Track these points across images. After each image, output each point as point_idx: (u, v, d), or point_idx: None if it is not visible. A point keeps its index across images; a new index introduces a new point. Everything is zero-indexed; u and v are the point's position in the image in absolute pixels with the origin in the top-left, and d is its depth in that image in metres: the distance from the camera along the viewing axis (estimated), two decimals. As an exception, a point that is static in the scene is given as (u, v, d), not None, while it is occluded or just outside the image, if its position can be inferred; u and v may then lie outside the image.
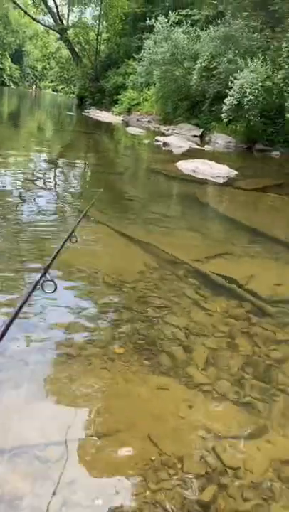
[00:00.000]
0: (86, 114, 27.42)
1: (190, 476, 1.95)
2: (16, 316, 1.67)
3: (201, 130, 18.84)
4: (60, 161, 9.77)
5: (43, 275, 2.06)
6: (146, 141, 13.88)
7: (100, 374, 2.50)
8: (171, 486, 1.90)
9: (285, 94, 14.24)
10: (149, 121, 23.84)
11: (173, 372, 2.62)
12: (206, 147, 15.11)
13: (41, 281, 2.03)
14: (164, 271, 3.99)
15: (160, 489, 1.88)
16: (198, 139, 17.66)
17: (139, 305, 3.37)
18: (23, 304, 1.77)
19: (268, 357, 2.91)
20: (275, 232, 5.57)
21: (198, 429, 2.21)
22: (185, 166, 9.22)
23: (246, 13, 19.14)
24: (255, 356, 2.90)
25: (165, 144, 13.59)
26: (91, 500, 1.78)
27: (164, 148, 13.32)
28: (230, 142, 16.96)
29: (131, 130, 17.89)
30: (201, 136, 18.52)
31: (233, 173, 9.04)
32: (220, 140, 17.25)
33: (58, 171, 8.55)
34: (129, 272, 3.86)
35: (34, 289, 1.97)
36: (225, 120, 15.86)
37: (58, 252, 2.41)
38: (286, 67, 14.30)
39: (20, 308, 1.74)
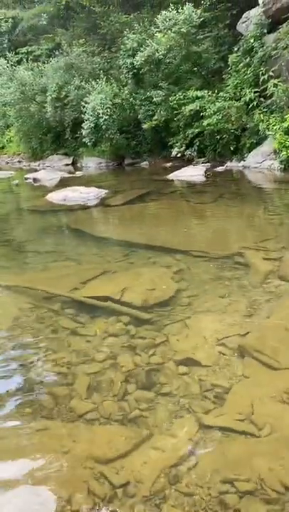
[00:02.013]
0: None
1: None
2: None
3: (72, 158, 19.05)
4: None
5: None
6: (16, 182, 13.64)
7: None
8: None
9: (136, 107, 14.92)
10: (19, 161, 23.53)
11: (55, 412, 2.56)
12: (78, 173, 15.28)
13: None
14: (39, 310, 3.91)
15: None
16: (71, 167, 17.81)
17: (16, 353, 3.26)
18: None
19: (148, 364, 2.97)
20: (144, 239, 5.76)
21: (84, 460, 2.18)
22: (56, 197, 9.22)
23: (82, 40, 19.87)
24: (136, 368, 2.93)
25: (35, 180, 13.50)
26: None
27: (35, 184, 13.21)
28: (100, 163, 17.36)
29: (0, 174, 17.51)
30: (73, 163, 18.72)
31: (103, 192, 9.23)
32: (91, 163, 17.58)
33: None
34: (3, 321, 3.73)
35: None
36: (89, 144, 16.17)
37: None
38: (129, 82, 15.02)
39: None
